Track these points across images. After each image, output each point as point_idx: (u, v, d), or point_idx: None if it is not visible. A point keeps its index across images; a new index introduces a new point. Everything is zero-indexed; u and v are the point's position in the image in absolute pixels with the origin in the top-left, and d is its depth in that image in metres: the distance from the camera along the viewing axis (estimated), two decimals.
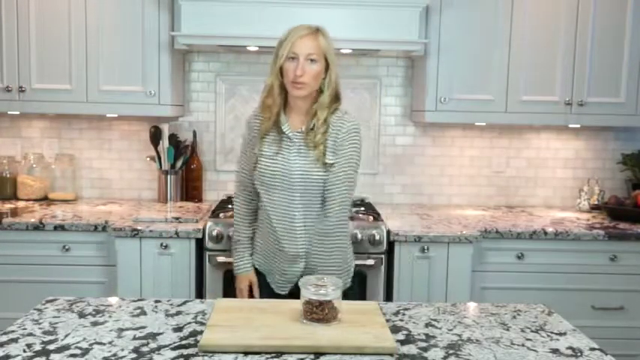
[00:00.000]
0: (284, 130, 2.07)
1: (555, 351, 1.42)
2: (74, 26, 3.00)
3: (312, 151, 2.03)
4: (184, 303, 1.70)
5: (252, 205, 2.21)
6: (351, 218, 2.85)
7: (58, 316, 1.56)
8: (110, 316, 1.57)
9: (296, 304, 1.57)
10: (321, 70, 2.04)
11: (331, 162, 2.03)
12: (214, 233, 2.68)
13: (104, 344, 1.39)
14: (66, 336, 1.43)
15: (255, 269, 2.22)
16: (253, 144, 2.15)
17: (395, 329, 1.52)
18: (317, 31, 2.06)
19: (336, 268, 2.08)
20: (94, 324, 1.52)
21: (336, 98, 2.09)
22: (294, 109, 2.10)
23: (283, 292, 2.13)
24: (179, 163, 3.33)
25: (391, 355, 1.36)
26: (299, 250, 2.07)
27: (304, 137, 2.06)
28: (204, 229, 2.70)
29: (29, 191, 3.29)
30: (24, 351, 1.34)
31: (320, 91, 2.06)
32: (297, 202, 2.05)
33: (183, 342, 1.42)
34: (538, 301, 1.82)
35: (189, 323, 1.54)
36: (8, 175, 3.32)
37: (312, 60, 2.02)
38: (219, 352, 1.35)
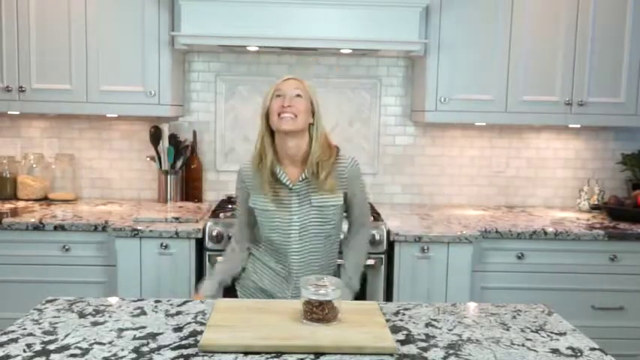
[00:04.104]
0: (283, 182, 2.05)
1: (555, 351, 1.42)
2: (74, 26, 3.00)
3: (313, 194, 2.04)
4: (184, 303, 1.70)
5: (243, 253, 2.21)
6: None
7: (58, 316, 1.56)
8: (110, 316, 1.57)
9: (296, 304, 1.57)
10: (309, 108, 2.03)
11: (340, 202, 2.09)
12: (214, 233, 2.68)
13: (104, 344, 1.39)
14: (66, 336, 1.43)
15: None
16: (247, 196, 2.13)
17: (395, 329, 1.52)
18: (300, 79, 2.09)
19: None
20: (94, 324, 1.52)
21: (331, 148, 2.09)
22: (287, 158, 2.06)
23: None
24: (179, 163, 3.33)
25: (391, 355, 1.36)
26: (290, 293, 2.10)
27: (306, 186, 2.05)
28: (204, 229, 2.70)
29: (29, 191, 3.29)
30: (24, 351, 1.34)
31: (310, 140, 2.05)
32: (294, 249, 2.07)
33: (183, 342, 1.42)
34: (538, 301, 1.82)
35: (189, 323, 1.54)
36: (8, 175, 3.32)
37: (298, 95, 2.02)
38: (219, 352, 1.35)
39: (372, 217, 2.42)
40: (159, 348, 1.38)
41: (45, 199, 3.32)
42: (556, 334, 1.53)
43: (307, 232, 2.06)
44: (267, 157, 2.03)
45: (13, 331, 1.45)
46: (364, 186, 2.22)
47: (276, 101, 2.01)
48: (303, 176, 2.05)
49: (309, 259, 2.09)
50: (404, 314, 1.65)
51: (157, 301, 1.71)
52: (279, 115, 1.99)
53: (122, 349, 1.36)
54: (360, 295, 2.65)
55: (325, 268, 2.13)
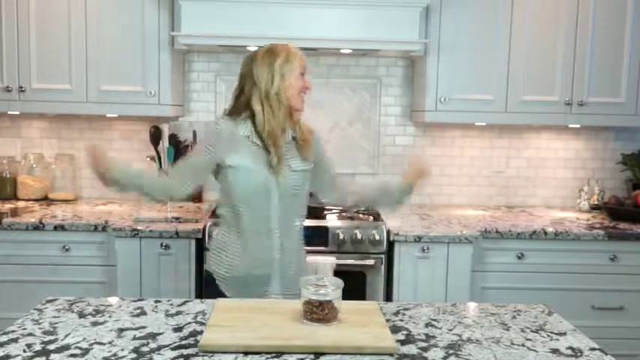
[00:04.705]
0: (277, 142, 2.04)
1: (555, 351, 1.42)
2: (74, 26, 3.00)
3: (293, 159, 2.04)
4: (184, 303, 1.70)
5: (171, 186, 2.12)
6: (351, 218, 2.86)
7: (58, 316, 1.56)
8: (110, 316, 1.57)
9: (296, 304, 1.57)
10: None
11: (311, 166, 2.09)
12: (214, 233, 2.68)
13: (104, 344, 1.39)
14: (66, 336, 1.43)
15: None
16: (215, 156, 2.05)
17: (395, 329, 1.52)
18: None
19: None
20: (94, 324, 1.52)
21: None
22: None
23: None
24: None
25: (391, 355, 1.36)
26: (274, 254, 2.05)
27: (286, 150, 2.04)
28: (204, 229, 2.70)
29: (29, 191, 3.29)
30: (24, 351, 1.34)
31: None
32: (274, 209, 2.03)
33: (183, 342, 1.42)
34: (538, 301, 1.82)
35: (189, 323, 1.54)
36: (8, 175, 3.32)
37: None
38: (219, 352, 1.35)
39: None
40: (159, 348, 1.38)
41: (45, 199, 3.32)
42: (556, 334, 1.53)
43: (287, 193, 2.03)
44: (286, 130, 2.03)
45: (13, 331, 1.45)
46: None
47: (301, 80, 2.02)
48: (286, 140, 2.05)
49: (288, 215, 2.06)
50: (404, 314, 1.65)
51: (157, 301, 1.71)
52: (299, 93, 2.02)
53: (122, 349, 1.36)
54: (360, 295, 2.66)
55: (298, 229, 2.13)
